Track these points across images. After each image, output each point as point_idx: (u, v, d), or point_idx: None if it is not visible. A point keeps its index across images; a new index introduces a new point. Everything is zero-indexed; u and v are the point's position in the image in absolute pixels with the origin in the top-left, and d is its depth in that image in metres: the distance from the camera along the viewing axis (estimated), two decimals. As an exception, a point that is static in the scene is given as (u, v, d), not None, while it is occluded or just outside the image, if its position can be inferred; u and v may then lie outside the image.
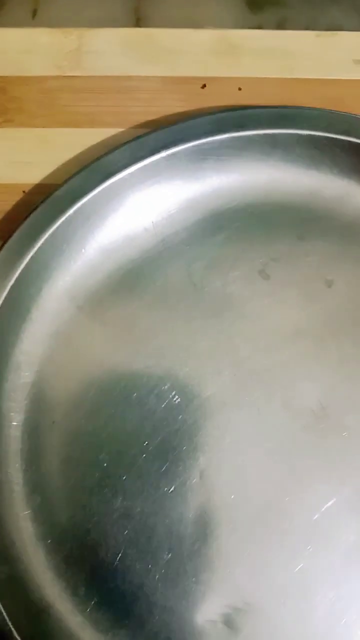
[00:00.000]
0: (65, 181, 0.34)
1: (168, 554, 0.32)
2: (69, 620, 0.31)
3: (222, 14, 0.43)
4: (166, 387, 0.33)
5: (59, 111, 0.39)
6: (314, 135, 0.35)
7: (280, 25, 0.42)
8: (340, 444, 0.33)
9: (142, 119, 0.38)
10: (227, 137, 0.35)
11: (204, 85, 0.39)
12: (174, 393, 0.33)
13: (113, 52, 0.40)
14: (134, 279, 0.35)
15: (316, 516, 0.32)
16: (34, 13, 0.43)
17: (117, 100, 0.39)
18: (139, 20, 0.43)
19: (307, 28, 0.40)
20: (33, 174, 0.37)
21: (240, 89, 0.39)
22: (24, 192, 0.37)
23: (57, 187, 0.34)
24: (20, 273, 0.33)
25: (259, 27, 0.41)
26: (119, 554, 0.31)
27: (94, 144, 0.38)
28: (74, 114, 0.38)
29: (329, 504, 0.32)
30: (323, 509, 0.32)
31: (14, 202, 0.37)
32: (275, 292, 0.35)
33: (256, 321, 0.35)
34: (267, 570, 0.31)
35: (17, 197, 0.37)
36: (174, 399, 0.33)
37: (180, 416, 0.33)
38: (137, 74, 0.39)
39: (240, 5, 0.43)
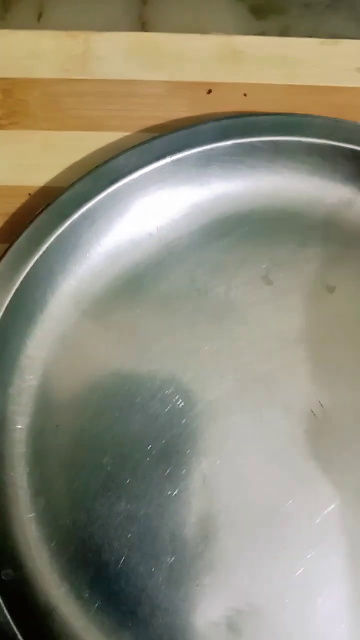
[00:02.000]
0: (71, 186, 0.34)
1: (171, 557, 0.32)
2: (73, 623, 0.31)
3: (226, 20, 0.43)
4: (169, 391, 0.34)
5: (65, 114, 0.39)
6: (316, 143, 0.35)
7: (283, 33, 0.43)
8: (341, 447, 0.33)
9: (147, 123, 0.38)
10: (232, 144, 0.35)
11: (210, 91, 0.39)
12: (177, 397, 0.34)
13: (118, 56, 0.40)
14: (138, 284, 0.35)
15: (318, 520, 0.32)
16: (39, 16, 0.43)
17: (123, 104, 0.39)
18: (144, 25, 0.43)
19: (309, 36, 0.41)
20: (38, 176, 0.37)
21: (245, 94, 0.39)
22: (29, 194, 0.37)
23: (62, 191, 0.34)
24: (25, 277, 0.33)
25: (263, 34, 0.42)
26: (122, 557, 0.32)
27: (99, 147, 0.38)
28: (80, 118, 0.39)
29: (331, 507, 0.32)
30: (325, 513, 0.32)
31: (19, 205, 0.37)
32: (277, 298, 0.36)
33: (259, 326, 0.35)
34: (269, 573, 0.32)
35: (22, 199, 0.37)
36: (178, 403, 0.34)
37: (184, 420, 0.33)
38: (143, 79, 0.39)
39: (244, 12, 0.43)
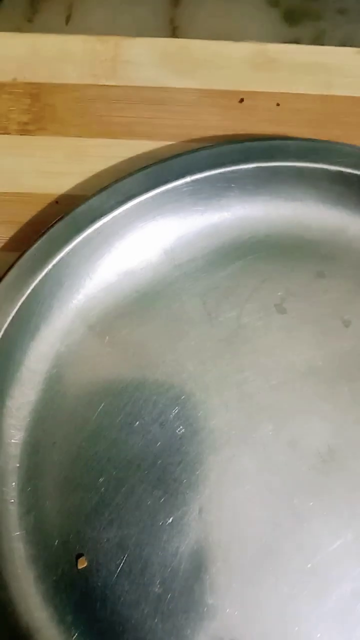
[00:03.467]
0: (87, 199, 0.33)
1: (160, 588, 0.31)
2: (54, 647, 0.30)
3: (258, 26, 0.42)
4: (171, 416, 0.33)
5: (93, 121, 0.38)
6: (342, 172, 0.34)
7: (318, 40, 0.42)
8: (345, 488, 0.32)
9: (177, 132, 0.38)
10: (254, 167, 0.34)
11: (242, 100, 0.38)
12: (178, 423, 0.33)
13: (149, 62, 0.39)
14: (147, 303, 0.35)
15: (314, 561, 0.31)
16: (68, 19, 0.43)
17: (153, 112, 0.38)
18: (175, 30, 0.43)
19: (343, 43, 0.40)
20: (66, 184, 0.37)
21: (278, 104, 0.38)
22: (56, 202, 0.36)
23: (77, 203, 0.33)
24: (32, 289, 0.32)
25: (296, 41, 0.41)
26: (110, 584, 0.31)
27: (127, 156, 0.37)
28: (109, 124, 0.38)
29: (329, 549, 0.31)
30: (322, 554, 0.31)
31: (46, 213, 0.36)
32: (290, 328, 0.35)
33: (269, 355, 0.34)
34: (259, 612, 0.31)
35: (49, 207, 0.36)
36: (178, 429, 0.33)
37: (184, 447, 0.32)
38: (173, 86, 0.39)
39: (277, 17, 0.42)
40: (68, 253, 0.33)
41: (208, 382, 0.33)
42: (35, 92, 0.39)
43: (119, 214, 0.33)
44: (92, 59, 0.39)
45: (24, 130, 0.38)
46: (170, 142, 0.37)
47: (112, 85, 0.39)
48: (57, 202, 0.36)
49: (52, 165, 0.37)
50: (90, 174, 0.37)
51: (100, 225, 0.33)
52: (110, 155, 0.37)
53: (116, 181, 0.34)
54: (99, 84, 0.39)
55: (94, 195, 0.34)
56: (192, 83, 0.39)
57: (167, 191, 0.34)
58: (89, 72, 0.39)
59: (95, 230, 0.33)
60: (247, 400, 0.33)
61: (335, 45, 0.40)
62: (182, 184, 0.34)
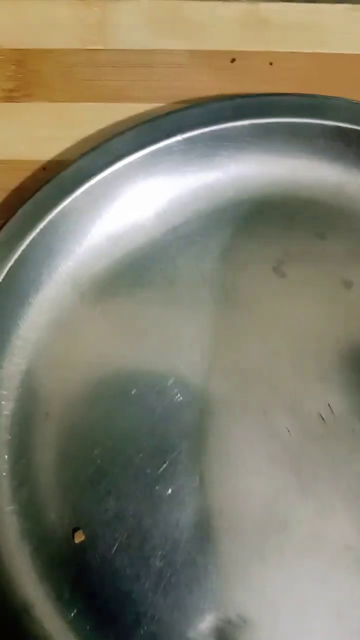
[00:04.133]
0: (74, 161, 0.32)
1: (161, 561, 0.30)
2: (51, 625, 0.29)
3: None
4: (169, 384, 0.32)
5: (81, 85, 0.37)
6: (339, 127, 0.33)
7: None
8: (347, 451, 0.31)
9: (168, 93, 0.37)
10: (247, 124, 0.33)
11: (234, 60, 0.37)
12: (176, 391, 0.32)
13: (137, 25, 0.38)
14: (140, 268, 0.33)
15: (318, 526, 0.30)
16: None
17: (142, 74, 0.37)
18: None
19: (337, 1, 0.39)
20: (53, 150, 0.36)
21: (271, 63, 0.37)
22: (44, 169, 0.35)
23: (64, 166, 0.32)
24: (20, 255, 0.31)
25: (288, 0, 0.40)
26: (108, 558, 0.30)
27: (116, 120, 0.36)
28: (97, 88, 0.37)
29: (333, 520, 0.30)
30: (326, 525, 0.30)
31: (33, 180, 0.35)
32: (289, 291, 0.33)
33: (267, 319, 0.33)
34: (264, 585, 0.30)
35: (36, 174, 0.35)
36: (176, 397, 0.32)
37: (182, 415, 0.31)
38: (163, 48, 0.38)
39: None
40: (56, 217, 0.32)
41: (205, 348, 0.32)
42: (20, 59, 0.38)
43: (108, 175, 0.32)
44: (79, 24, 0.38)
45: (8, 97, 0.37)
46: (161, 104, 0.36)
47: (100, 49, 0.38)
48: (44, 168, 0.35)
49: (38, 131, 0.36)
50: (79, 139, 0.36)
51: (89, 187, 0.32)
52: (99, 119, 0.36)
53: (104, 141, 0.33)
54: (86, 49, 0.38)
55: (81, 156, 0.32)
56: (182, 44, 0.38)
57: (158, 150, 0.33)
58: (76, 36, 0.38)
59: (83, 192, 0.32)
60: (246, 366, 0.32)
61: (328, 3, 0.39)
62: (173, 143, 0.33)
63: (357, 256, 0.34)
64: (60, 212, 0.32)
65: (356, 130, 0.33)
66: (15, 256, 0.31)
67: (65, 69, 0.37)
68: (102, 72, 0.37)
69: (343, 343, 0.33)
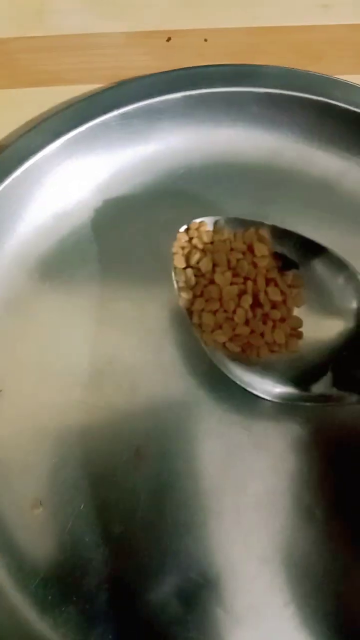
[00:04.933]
0: (13, 142, 0.33)
1: (120, 526, 0.30)
2: (14, 598, 0.29)
3: None
4: (118, 355, 0.32)
5: (21, 72, 0.38)
6: (270, 93, 0.34)
7: None
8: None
9: (108, 74, 0.37)
10: (181, 96, 0.34)
11: (169, 39, 0.38)
12: (125, 367, 0.32)
13: (75, 9, 0.39)
14: (87, 244, 0.34)
15: (272, 487, 0.30)
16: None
17: (81, 57, 0.38)
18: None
19: None
20: None
21: (206, 40, 0.38)
22: None
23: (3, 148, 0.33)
24: None
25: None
26: (67, 525, 0.30)
27: (57, 102, 0.37)
28: (36, 73, 0.38)
29: (284, 475, 0.30)
30: (279, 473, 0.30)
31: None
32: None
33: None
34: (223, 545, 0.30)
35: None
36: (128, 372, 0.32)
37: (132, 389, 0.32)
38: (101, 31, 0.39)
39: None
40: (-3, 197, 0.32)
41: (158, 311, 0.33)
42: None
43: (49, 152, 0.33)
44: (18, 12, 0.39)
45: None
46: (101, 85, 0.37)
47: (39, 36, 0.39)
48: None
49: (-22, 118, 0.37)
50: (21, 123, 0.36)
51: (30, 166, 0.33)
52: (40, 102, 0.37)
53: (42, 121, 0.33)
54: (25, 36, 0.39)
55: (20, 137, 0.33)
56: (119, 26, 0.39)
57: (96, 126, 0.33)
58: (14, 24, 0.39)
59: (23, 171, 0.32)
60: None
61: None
62: (110, 118, 0.33)
63: (297, 219, 0.34)
64: (0, 192, 0.32)
65: (287, 95, 0.34)
66: None
67: (5, 57, 0.38)
68: (41, 57, 0.38)
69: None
